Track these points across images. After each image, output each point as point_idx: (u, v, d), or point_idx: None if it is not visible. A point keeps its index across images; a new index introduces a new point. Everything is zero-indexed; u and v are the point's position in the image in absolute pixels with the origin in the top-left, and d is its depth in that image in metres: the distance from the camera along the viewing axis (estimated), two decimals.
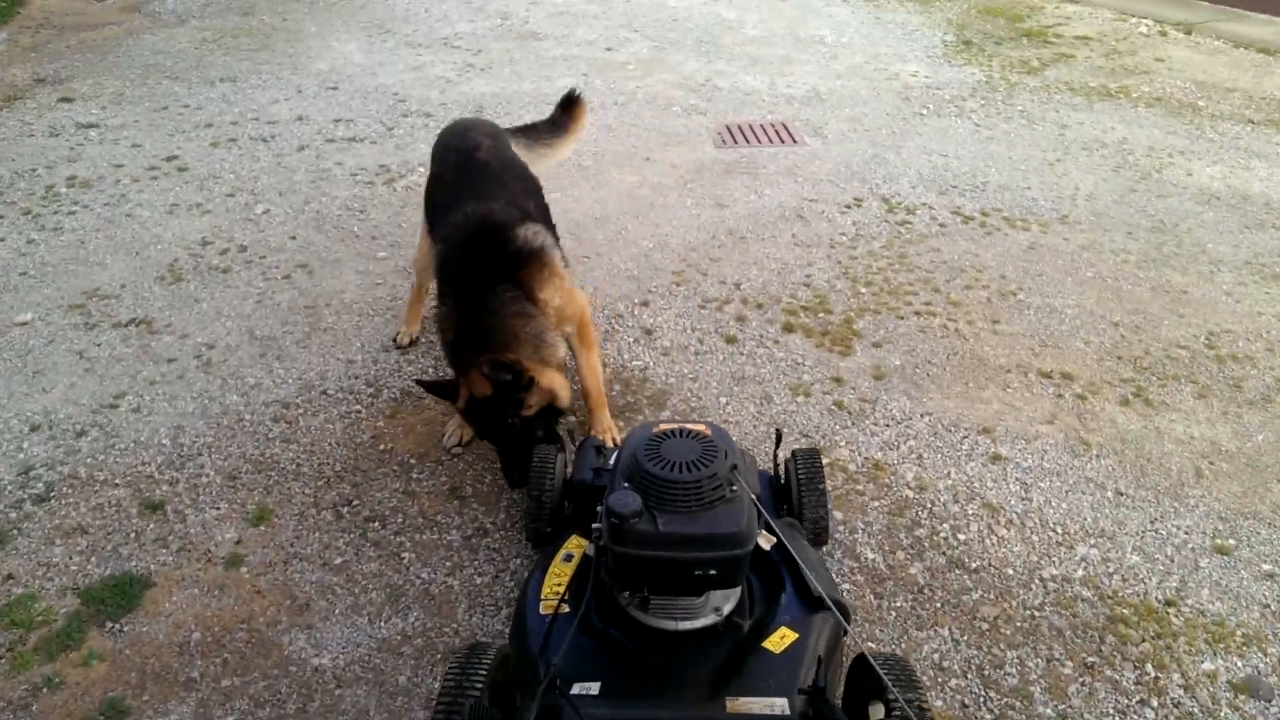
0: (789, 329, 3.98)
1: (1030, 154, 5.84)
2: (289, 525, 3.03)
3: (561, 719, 1.68)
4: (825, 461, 3.21)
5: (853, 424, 3.42)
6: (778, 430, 2.74)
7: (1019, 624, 2.65)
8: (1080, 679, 2.50)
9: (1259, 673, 2.53)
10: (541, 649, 1.96)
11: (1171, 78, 7.15)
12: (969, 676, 2.50)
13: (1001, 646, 2.58)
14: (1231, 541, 2.95)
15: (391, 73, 7.05)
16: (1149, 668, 2.53)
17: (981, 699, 2.44)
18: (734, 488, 1.84)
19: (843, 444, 3.32)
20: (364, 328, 3.98)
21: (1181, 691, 2.47)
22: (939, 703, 2.42)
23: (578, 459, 2.72)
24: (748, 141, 5.99)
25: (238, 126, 6.00)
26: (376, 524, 3.03)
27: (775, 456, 2.70)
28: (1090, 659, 2.56)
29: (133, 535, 3.00)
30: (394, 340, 3.85)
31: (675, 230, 4.83)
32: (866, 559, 2.86)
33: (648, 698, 1.87)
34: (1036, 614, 2.68)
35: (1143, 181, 5.45)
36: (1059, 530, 2.96)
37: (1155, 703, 2.44)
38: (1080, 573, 2.81)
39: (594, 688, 1.84)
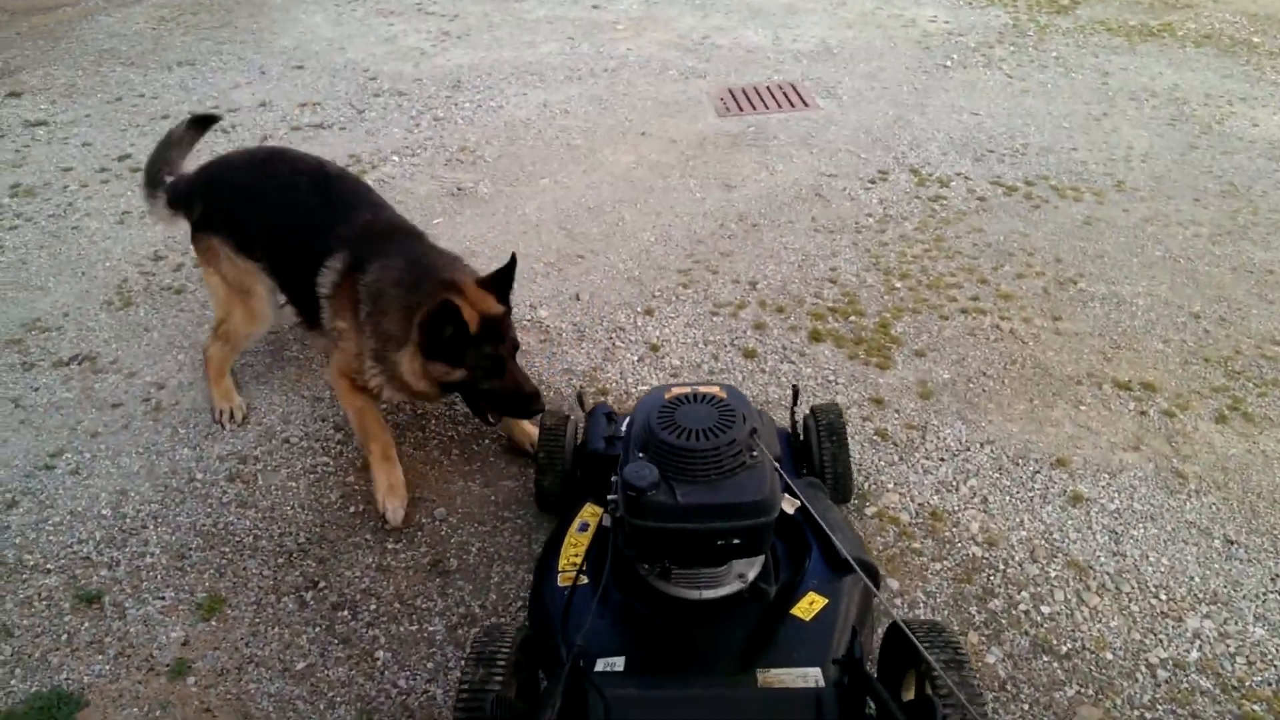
0: (816, 337, 3.45)
1: (1072, 108, 5.23)
2: (244, 618, 2.55)
3: (588, 701, 1.61)
4: (871, 510, 2.72)
5: (900, 459, 2.91)
6: (795, 386, 2.68)
7: None
8: None
9: None
10: (562, 623, 1.89)
11: (1218, 10, 6.49)
12: None
13: None
14: None
15: (361, 46, 6.44)
16: None
17: None
18: (754, 453, 1.75)
19: (890, 486, 2.81)
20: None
21: None
22: None
23: (588, 426, 2.63)
24: (754, 108, 5.39)
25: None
26: (345, 613, 2.54)
27: (793, 414, 2.65)
28: None
29: (65, 637, 2.52)
30: (221, 420, 3.18)
31: (679, 219, 4.27)
32: None
33: (675, 673, 1.80)
34: (1147, 715, 2.18)
35: (1203, 136, 4.85)
36: (1162, 596, 2.46)
37: None
38: (1195, 654, 2.31)
39: (618, 663, 1.79)
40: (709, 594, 1.88)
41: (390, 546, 2.67)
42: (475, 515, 2.74)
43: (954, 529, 2.65)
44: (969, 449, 2.94)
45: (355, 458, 3.00)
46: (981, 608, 2.44)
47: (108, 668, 2.44)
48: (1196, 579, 2.50)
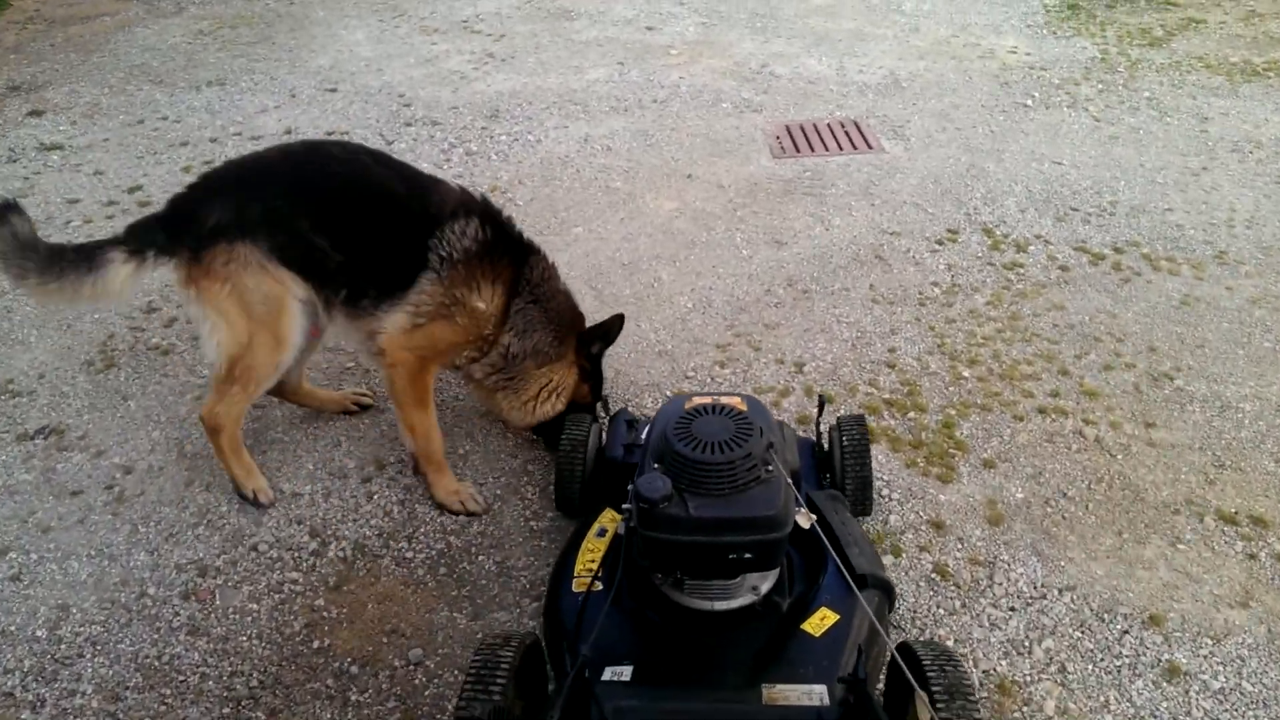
0: (870, 437, 3.01)
1: (1167, 159, 4.71)
2: None
3: (591, 713, 1.61)
4: None
5: (962, 605, 2.47)
6: (821, 397, 2.69)
7: None
8: None
9: None
10: (574, 629, 1.88)
11: None
12: None
13: None
14: None
15: (400, 68, 6.14)
16: None
17: None
18: (770, 467, 1.74)
19: (950, 643, 2.38)
20: (321, 439, 3.13)
21: None
22: None
23: (610, 432, 2.66)
24: (811, 149, 4.96)
25: (217, 145, 5.16)
26: None
27: (818, 424, 2.71)
28: None
29: None
30: (258, 499, 2.85)
31: (721, 280, 3.87)
32: None
33: (681, 684, 1.79)
34: None
35: None
36: None
37: None
38: None
39: (626, 673, 1.78)
40: (721, 606, 1.87)
41: (355, 698, 2.29)
42: (457, 659, 2.35)
43: (1025, 708, 2.21)
44: (1045, 596, 2.48)
45: (328, 574, 2.63)
46: None
47: None
48: None
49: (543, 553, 2.65)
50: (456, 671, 2.32)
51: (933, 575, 2.55)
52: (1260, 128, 4.99)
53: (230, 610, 2.54)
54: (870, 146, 4.96)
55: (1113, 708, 2.21)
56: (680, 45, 6.44)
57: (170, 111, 5.57)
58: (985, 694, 2.24)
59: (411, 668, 2.35)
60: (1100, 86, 5.54)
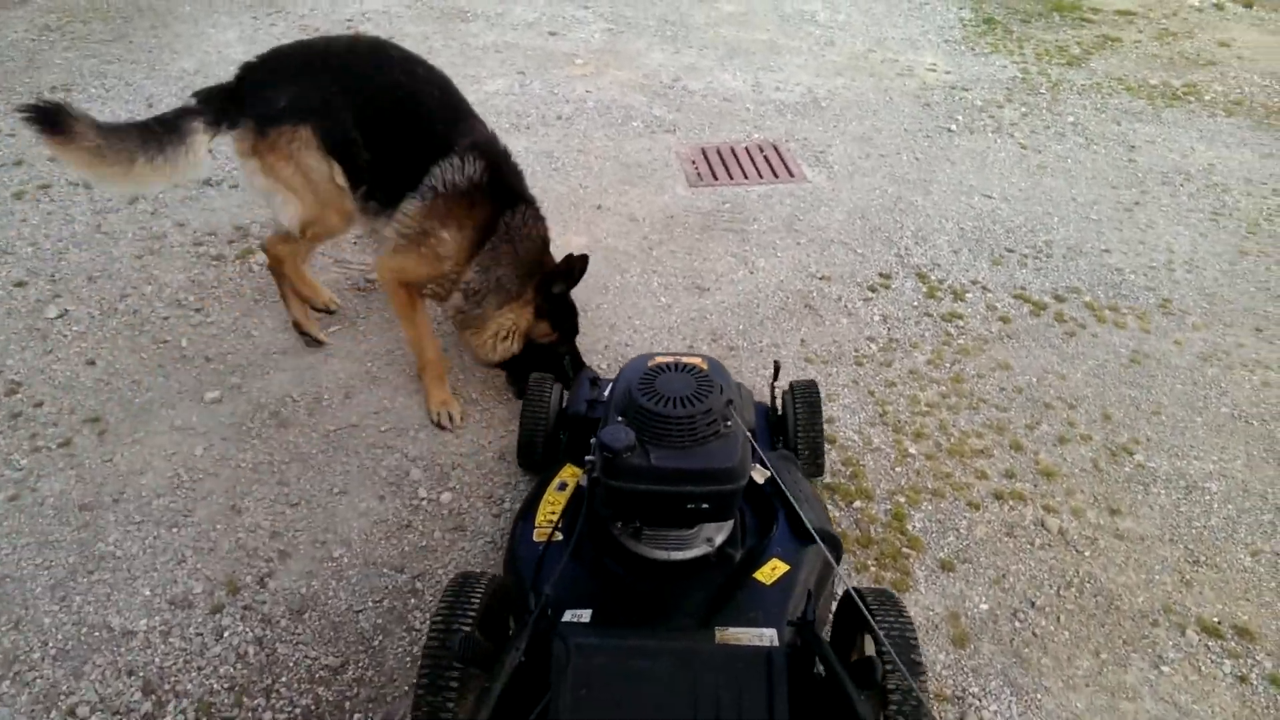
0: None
1: (1098, 192, 4.50)
2: None
3: (553, 647, 1.60)
4: None
5: None
6: (776, 362, 2.74)
7: None
8: None
9: None
10: (534, 577, 1.88)
11: (1244, 70, 5.82)
12: None
13: None
14: None
15: None
16: None
17: None
18: (728, 423, 1.77)
19: None
20: (163, 553, 2.58)
21: None
22: None
23: (573, 390, 2.72)
24: (730, 176, 4.59)
25: (57, 164, 4.47)
26: None
27: (773, 388, 2.78)
28: None
29: None
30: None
31: (638, 335, 3.45)
32: None
33: (638, 626, 1.84)
34: None
35: (1251, 237, 4.15)
36: None
37: None
38: None
39: (585, 615, 1.82)
40: (677, 556, 1.92)
41: None
42: None
43: None
44: None
45: None
46: None
47: None
48: None
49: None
50: None
51: None
52: (1187, 157, 4.84)
53: None
54: (792, 174, 4.62)
55: None
56: (586, 54, 5.98)
57: (3, 123, 4.83)
58: None
59: None
60: (1024, 110, 5.33)
